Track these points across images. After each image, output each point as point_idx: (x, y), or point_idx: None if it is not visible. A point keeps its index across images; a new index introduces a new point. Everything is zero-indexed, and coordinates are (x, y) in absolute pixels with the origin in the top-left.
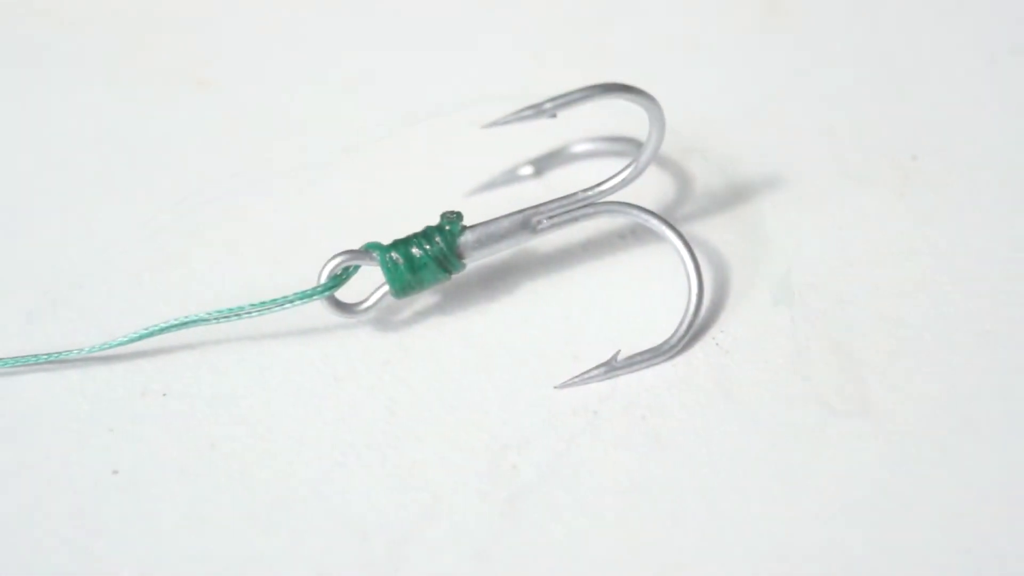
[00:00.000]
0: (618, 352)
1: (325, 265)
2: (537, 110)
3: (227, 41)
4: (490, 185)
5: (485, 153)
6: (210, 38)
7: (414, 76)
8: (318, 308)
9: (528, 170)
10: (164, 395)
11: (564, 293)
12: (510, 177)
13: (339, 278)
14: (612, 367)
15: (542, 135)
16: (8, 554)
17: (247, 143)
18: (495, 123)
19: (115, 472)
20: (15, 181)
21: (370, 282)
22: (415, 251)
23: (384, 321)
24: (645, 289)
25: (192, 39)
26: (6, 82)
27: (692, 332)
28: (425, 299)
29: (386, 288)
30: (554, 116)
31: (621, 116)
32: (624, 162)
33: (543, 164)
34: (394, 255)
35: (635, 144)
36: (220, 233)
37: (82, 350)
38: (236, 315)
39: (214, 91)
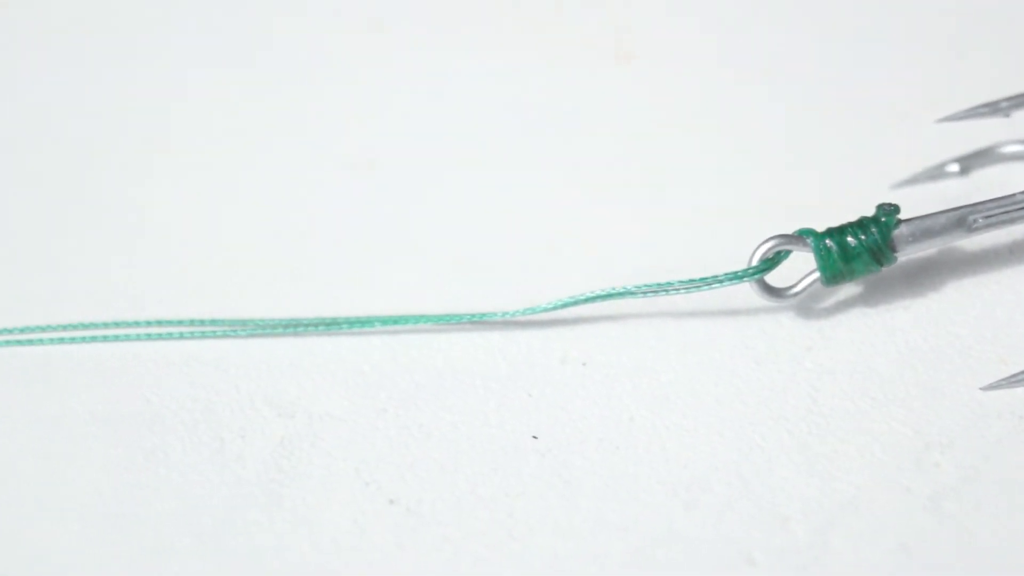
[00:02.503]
0: None
1: (757, 248)
2: (993, 108)
3: (650, 15)
4: (914, 180)
5: (910, 147)
6: (632, 11)
7: (840, 62)
8: (740, 290)
9: (954, 167)
10: (584, 364)
11: (990, 294)
12: (935, 173)
13: (771, 262)
14: None
15: (969, 133)
16: (428, 504)
17: (668, 120)
18: (949, 118)
19: (534, 437)
20: (427, 145)
21: (789, 268)
22: (850, 240)
23: (805, 308)
24: None
25: (614, 11)
26: (420, 45)
27: None
28: (848, 289)
29: (815, 275)
30: (1008, 116)
31: None
32: None
33: (970, 163)
34: (828, 242)
35: None
36: (639, 208)
37: (505, 313)
38: (664, 291)
39: (635, 65)
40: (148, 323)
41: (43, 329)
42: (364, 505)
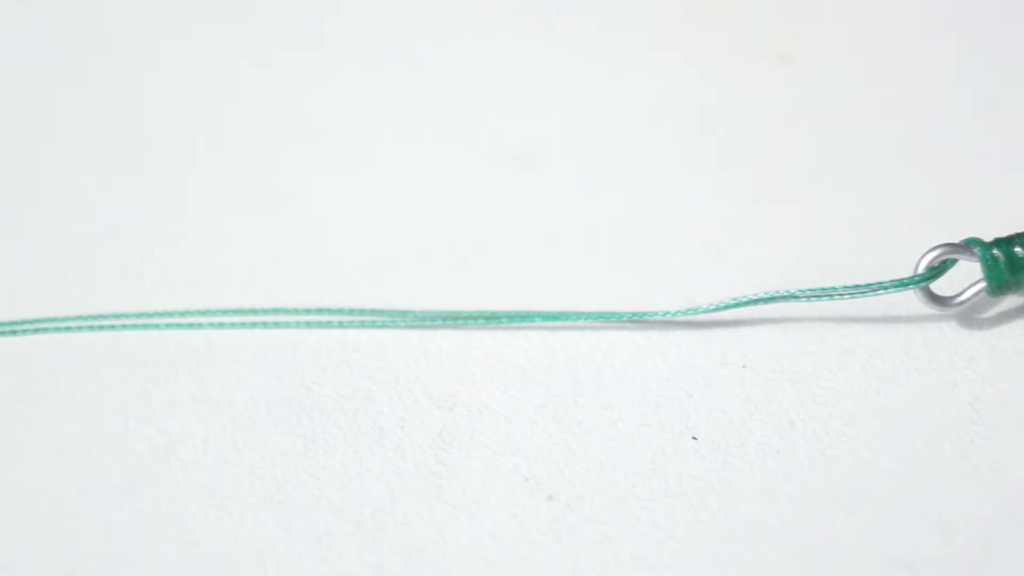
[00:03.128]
0: None
1: (923, 256)
2: None
3: (813, 17)
4: None
5: None
6: (795, 12)
7: (1005, 67)
8: (903, 297)
9: None
10: (744, 367)
11: None
12: None
13: (936, 270)
14: None
15: None
16: (587, 502)
17: (831, 123)
18: None
19: (694, 438)
20: (589, 141)
21: (953, 276)
22: (1017, 251)
23: (969, 318)
24: None
25: (776, 12)
26: (582, 40)
27: None
28: (1012, 300)
29: (981, 285)
30: None
31: None
32: None
33: None
34: (996, 252)
35: None
36: (801, 211)
37: (666, 313)
38: (827, 295)
39: (795, 68)
40: (308, 311)
41: (203, 313)
42: (523, 500)
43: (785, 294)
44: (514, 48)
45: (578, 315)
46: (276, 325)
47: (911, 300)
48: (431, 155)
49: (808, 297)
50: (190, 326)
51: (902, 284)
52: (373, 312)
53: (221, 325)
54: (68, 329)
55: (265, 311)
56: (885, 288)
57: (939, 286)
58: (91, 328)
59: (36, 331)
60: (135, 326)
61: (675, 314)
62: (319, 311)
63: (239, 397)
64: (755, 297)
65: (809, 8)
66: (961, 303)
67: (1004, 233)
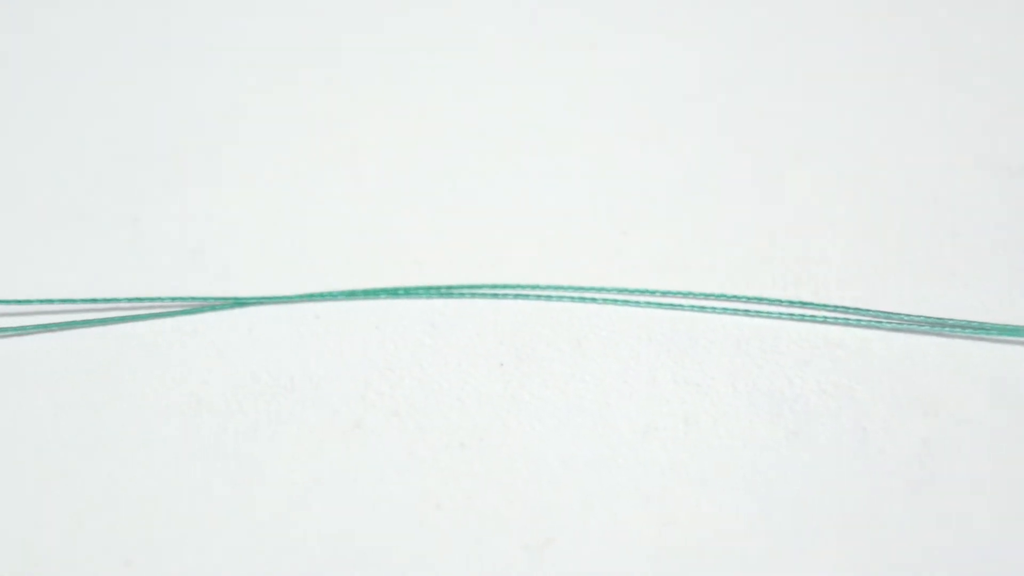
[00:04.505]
0: None
1: None
2: None
3: None
4: None
5: None
6: None
7: None
8: None
9: None
10: None
11: None
12: None
13: None
14: None
15: None
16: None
17: None
18: None
19: None
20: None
21: None
22: None
23: None
24: None
25: None
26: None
27: None
28: None
29: None
30: None
31: None
32: None
33: None
34: None
35: None
36: None
37: None
38: None
39: None
40: (791, 303)
41: (684, 295)
42: (1015, 521)
43: None
44: (1005, 54)
45: None
46: (758, 314)
47: None
48: (920, 161)
49: None
50: (671, 307)
51: None
52: (857, 311)
53: (703, 309)
54: (549, 298)
55: (747, 299)
56: None
57: None
58: (572, 299)
59: (517, 296)
60: (615, 301)
61: None
62: (802, 304)
63: (720, 382)
64: None
65: None
66: None
67: None
